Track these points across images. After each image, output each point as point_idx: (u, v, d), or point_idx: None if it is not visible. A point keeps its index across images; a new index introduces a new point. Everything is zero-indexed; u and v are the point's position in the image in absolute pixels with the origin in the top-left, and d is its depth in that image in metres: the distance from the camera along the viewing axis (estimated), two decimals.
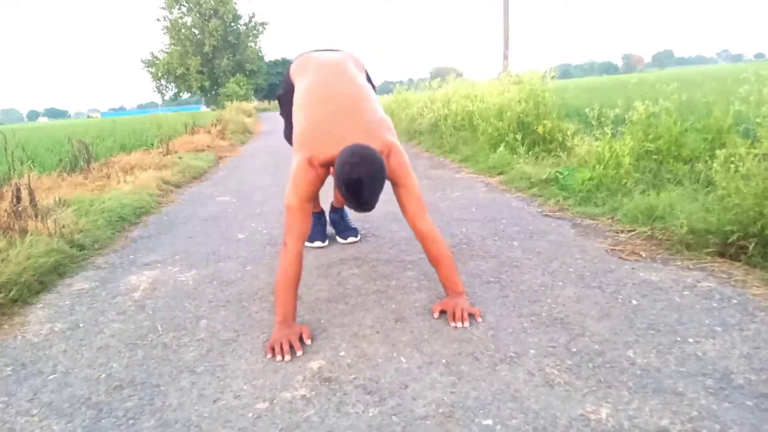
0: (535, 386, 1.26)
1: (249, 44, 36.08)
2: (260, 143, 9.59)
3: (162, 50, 35.31)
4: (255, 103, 35.83)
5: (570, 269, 2.01)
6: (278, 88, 2.25)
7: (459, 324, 1.59)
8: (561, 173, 3.28)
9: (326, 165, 1.66)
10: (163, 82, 35.50)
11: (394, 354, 1.46)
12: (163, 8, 34.36)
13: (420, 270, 2.11)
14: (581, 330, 1.52)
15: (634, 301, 1.69)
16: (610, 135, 3.13)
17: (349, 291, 1.95)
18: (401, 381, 1.33)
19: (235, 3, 34.83)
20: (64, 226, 2.69)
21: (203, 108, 38.77)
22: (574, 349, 1.42)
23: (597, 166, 3.07)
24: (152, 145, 7.12)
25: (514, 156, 4.12)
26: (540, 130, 4.27)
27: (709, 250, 2.00)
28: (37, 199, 2.97)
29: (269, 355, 1.49)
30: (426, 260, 1.80)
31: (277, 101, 2.30)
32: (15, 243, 2.31)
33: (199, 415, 1.25)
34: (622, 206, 2.61)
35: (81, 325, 1.81)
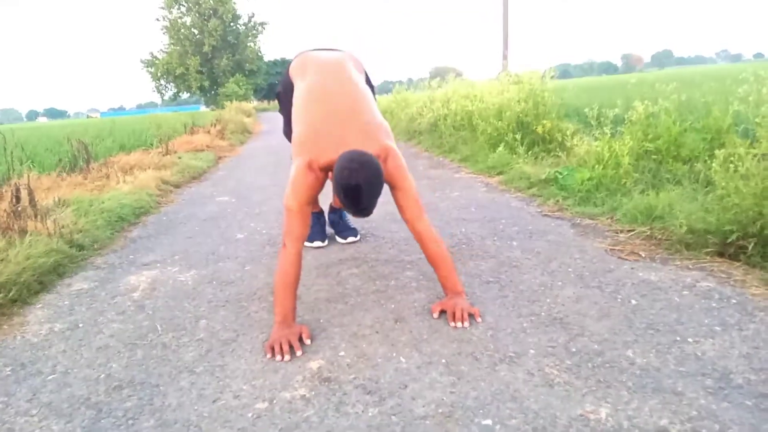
0: (535, 386, 1.26)
1: (248, 44, 36.07)
2: (259, 143, 9.59)
3: (161, 50, 35.36)
4: (254, 103, 35.80)
5: (569, 269, 2.01)
6: (278, 87, 2.26)
7: (458, 324, 1.59)
8: (560, 173, 3.28)
9: (326, 169, 1.68)
10: (162, 82, 35.50)
11: (394, 354, 1.46)
12: (163, 8, 34.38)
13: (419, 270, 2.11)
14: (580, 330, 1.53)
15: (633, 301, 1.69)
16: (609, 135, 3.13)
17: (348, 291, 1.95)
18: (401, 381, 1.33)
19: (234, 3, 34.84)
20: (63, 227, 2.69)
21: (202, 108, 38.76)
22: (574, 349, 1.42)
23: (596, 166, 3.08)
24: (151, 145, 7.12)
25: (514, 156, 4.12)
26: (539, 130, 4.27)
27: (709, 249, 2.00)
28: (36, 199, 2.97)
29: (269, 355, 1.49)
30: (425, 260, 1.80)
31: (276, 99, 2.31)
32: (14, 243, 2.31)
33: (199, 415, 1.25)
34: (621, 206, 2.61)
35: (80, 325, 1.81)
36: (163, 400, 1.32)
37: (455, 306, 1.63)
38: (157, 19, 34.73)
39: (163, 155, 5.91)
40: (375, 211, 1.63)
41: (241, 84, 32.79)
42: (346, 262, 2.29)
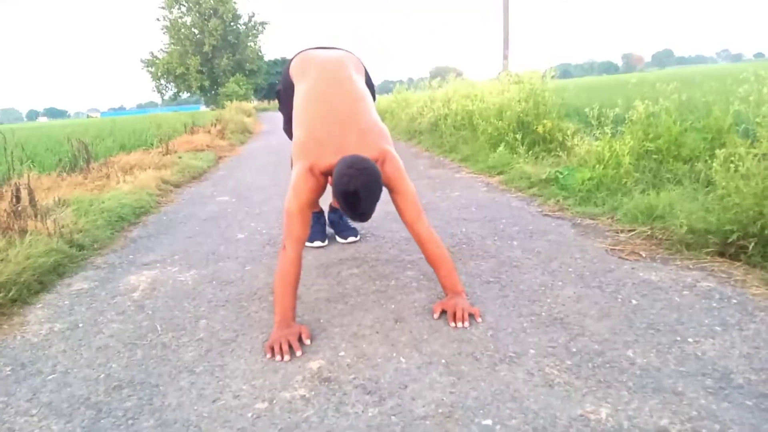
0: (535, 386, 1.26)
1: (249, 44, 36.07)
2: (260, 143, 9.59)
3: (161, 50, 35.39)
4: (255, 102, 35.80)
5: (570, 269, 2.01)
6: (277, 85, 2.27)
7: (459, 324, 1.59)
8: (561, 173, 3.28)
9: (327, 173, 1.71)
10: (162, 81, 35.52)
11: (394, 354, 1.46)
12: (163, 8, 34.39)
13: (419, 270, 2.11)
14: (581, 330, 1.52)
15: (633, 301, 1.69)
16: (610, 135, 3.13)
17: (348, 291, 1.95)
18: (401, 381, 1.33)
19: (234, 2, 34.84)
20: (63, 226, 2.69)
21: (203, 108, 38.76)
22: (574, 349, 1.42)
23: (597, 165, 3.07)
24: (152, 144, 7.12)
25: (514, 156, 4.12)
26: (540, 129, 4.26)
27: (709, 249, 1.99)
28: (36, 199, 2.97)
29: (268, 355, 1.49)
30: (425, 260, 1.80)
31: (276, 98, 2.32)
32: (14, 243, 2.31)
33: (199, 415, 1.24)
34: (621, 206, 2.61)
35: (80, 325, 1.81)
36: (162, 400, 1.32)
37: (455, 306, 1.63)
38: (158, 19, 34.80)
39: (164, 155, 5.91)
40: (375, 210, 1.64)
41: (241, 84, 32.80)
42: (346, 262, 2.29)
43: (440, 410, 1.20)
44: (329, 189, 1.76)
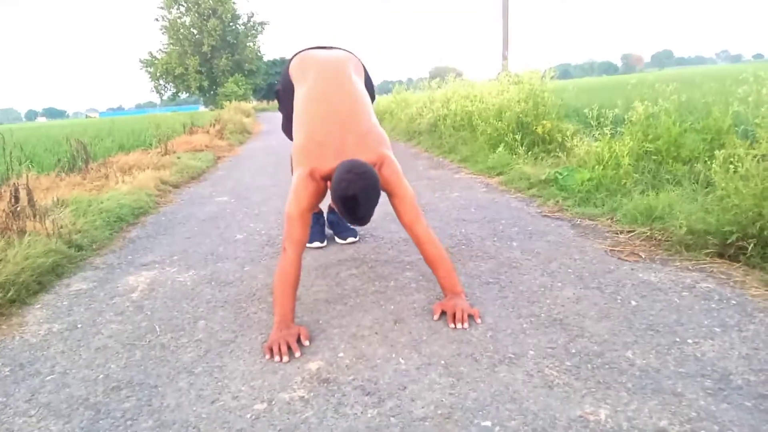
0: (534, 387, 1.26)
1: (248, 44, 36.04)
2: (259, 143, 9.58)
3: (160, 50, 35.33)
4: (254, 103, 35.79)
5: (569, 270, 2.01)
6: (277, 85, 2.27)
7: (458, 325, 1.59)
8: (560, 174, 3.28)
9: (327, 178, 1.72)
10: (161, 81, 35.48)
11: (393, 355, 1.46)
12: (162, 8, 34.35)
13: (419, 271, 2.10)
14: (580, 331, 1.52)
15: (633, 302, 1.69)
16: (609, 135, 3.13)
17: (347, 292, 1.95)
18: (400, 382, 1.32)
19: (233, 3, 34.81)
20: (62, 227, 2.69)
21: (201, 108, 38.77)
22: (573, 350, 1.42)
23: (596, 166, 3.08)
24: (150, 145, 7.11)
25: (514, 156, 4.12)
26: (539, 130, 4.27)
27: (708, 250, 1.99)
28: (35, 200, 2.96)
29: (267, 356, 1.49)
30: (424, 261, 1.80)
31: (275, 98, 2.32)
32: (13, 243, 2.30)
33: (197, 416, 1.24)
34: (621, 207, 2.61)
35: (79, 325, 1.81)
36: (161, 400, 1.32)
37: (455, 307, 1.63)
38: (157, 19, 34.73)
39: (162, 155, 5.90)
40: (375, 211, 1.64)
41: (240, 84, 32.78)
42: (345, 262, 2.29)
43: (439, 411, 1.19)
44: (328, 191, 1.77)
